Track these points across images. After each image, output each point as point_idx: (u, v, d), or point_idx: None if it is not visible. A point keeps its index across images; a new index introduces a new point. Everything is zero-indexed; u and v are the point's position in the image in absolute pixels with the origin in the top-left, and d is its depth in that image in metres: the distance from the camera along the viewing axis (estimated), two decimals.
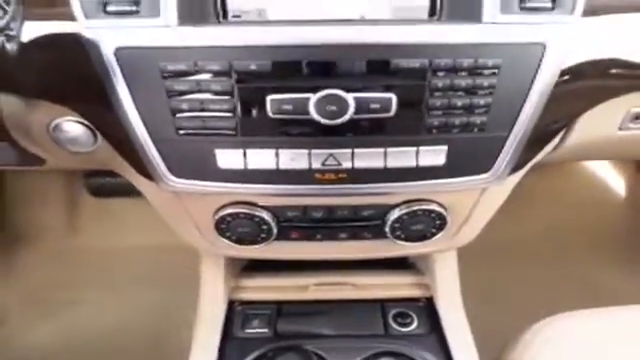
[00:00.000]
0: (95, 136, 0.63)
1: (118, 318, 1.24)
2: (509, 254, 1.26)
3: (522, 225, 1.29)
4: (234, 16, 0.55)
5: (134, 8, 0.50)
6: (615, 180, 1.42)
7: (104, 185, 1.28)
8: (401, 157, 0.55)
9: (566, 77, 0.54)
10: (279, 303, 0.80)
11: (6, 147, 0.69)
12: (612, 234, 1.35)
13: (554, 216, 1.36)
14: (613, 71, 0.58)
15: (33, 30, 0.55)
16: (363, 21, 0.55)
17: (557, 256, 1.29)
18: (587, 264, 1.28)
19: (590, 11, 0.52)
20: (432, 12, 0.54)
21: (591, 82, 0.58)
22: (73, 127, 0.62)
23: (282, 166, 0.56)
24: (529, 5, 0.50)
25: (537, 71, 0.52)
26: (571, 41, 0.52)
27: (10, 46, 0.56)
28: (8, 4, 0.63)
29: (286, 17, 0.55)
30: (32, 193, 1.39)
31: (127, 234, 1.38)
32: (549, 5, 0.50)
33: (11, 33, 0.56)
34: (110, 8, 0.51)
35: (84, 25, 0.52)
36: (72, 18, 0.52)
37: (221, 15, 0.54)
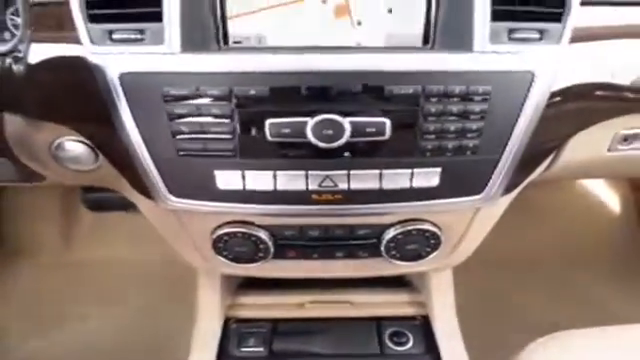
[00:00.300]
0: (96, 155, 0.65)
1: (115, 332, 1.24)
2: (507, 269, 1.27)
3: (520, 240, 1.30)
4: (235, 42, 0.58)
5: (139, 36, 0.53)
6: (612, 196, 1.43)
7: (101, 199, 1.29)
8: (396, 179, 0.57)
9: (555, 100, 0.56)
10: (275, 321, 0.80)
11: (7, 163, 0.70)
12: (609, 250, 1.36)
13: (553, 231, 1.36)
14: (600, 94, 0.60)
15: (40, 52, 0.57)
16: (359, 48, 0.57)
17: (556, 271, 1.30)
18: (586, 280, 1.28)
19: (577, 38, 0.54)
20: (425, 40, 0.57)
21: (579, 105, 0.60)
22: (75, 146, 0.64)
23: (280, 187, 0.57)
24: (517, 36, 0.52)
25: (526, 97, 0.54)
26: (559, 68, 0.54)
27: (17, 67, 0.58)
28: (17, 27, 0.66)
29: (285, 43, 0.57)
30: (29, 207, 1.39)
31: (124, 248, 1.38)
32: (537, 36, 0.52)
33: (19, 55, 0.59)
34: (116, 36, 0.53)
35: (90, 51, 0.54)
36: (78, 41, 0.54)
37: (222, 41, 0.56)
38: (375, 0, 0.55)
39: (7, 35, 0.66)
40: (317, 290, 0.84)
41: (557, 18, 0.52)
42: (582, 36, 0.56)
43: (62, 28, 0.56)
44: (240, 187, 0.58)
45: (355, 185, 0.57)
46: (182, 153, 0.56)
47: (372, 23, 0.57)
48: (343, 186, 0.57)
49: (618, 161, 0.69)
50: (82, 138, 0.63)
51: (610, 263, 1.32)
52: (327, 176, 0.57)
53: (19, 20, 0.64)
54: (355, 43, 0.58)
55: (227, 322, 0.82)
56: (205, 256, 0.69)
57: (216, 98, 0.53)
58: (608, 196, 1.42)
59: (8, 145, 0.65)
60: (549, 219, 1.36)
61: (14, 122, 0.62)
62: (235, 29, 0.57)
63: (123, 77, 0.53)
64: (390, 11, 0.56)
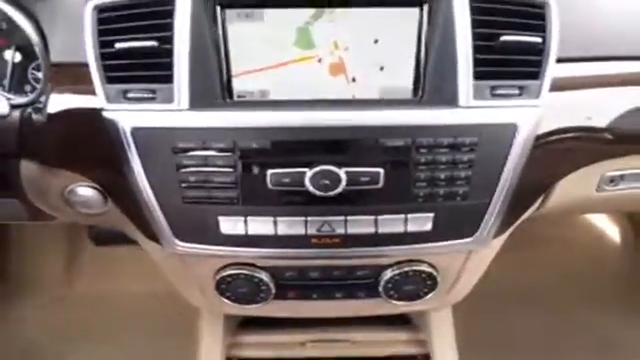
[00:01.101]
0: (105, 199, 0.68)
1: None
2: (508, 303, 1.26)
3: (520, 273, 1.30)
4: (239, 96, 0.62)
5: (151, 95, 0.57)
6: (610, 226, 1.44)
7: (108, 234, 1.32)
8: (391, 224, 0.60)
9: (538, 145, 0.60)
10: None
11: (20, 204, 0.73)
12: (609, 280, 1.35)
13: (552, 263, 1.37)
14: (579, 136, 0.63)
15: (59, 104, 0.62)
16: (354, 102, 0.61)
17: (556, 304, 1.29)
18: (588, 312, 1.27)
19: (555, 87, 0.59)
20: (415, 92, 0.61)
21: (562, 148, 0.63)
22: (86, 191, 0.68)
23: (280, 232, 0.60)
24: (499, 92, 0.57)
25: (511, 146, 0.58)
26: (540, 117, 0.58)
27: (37, 117, 0.63)
28: (37, 81, 0.71)
29: (286, 97, 0.62)
30: (33, 241, 1.41)
31: (126, 283, 1.38)
32: (517, 92, 0.57)
33: (39, 106, 0.64)
34: (130, 95, 0.58)
35: (106, 107, 0.59)
36: (94, 93, 0.58)
37: (227, 96, 0.61)
38: (368, 59, 0.60)
39: (28, 87, 0.72)
40: (318, 329, 0.84)
41: (535, 76, 0.57)
42: (560, 86, 0.60)
43: (80, 83, 0.61)
44: (243, 232, 0.60)
45: (352, 230, 0.60)
46: (188, 200, 0.60)
47: (366, 79, 0.61)
48: (340, 231, 0.60)
49: (607, 200, 0.72)
50: (94, 184, 0.67)
51: (611, 294, 1.31)
52: (325, 221, 0.60)
53: (39, 74, 0.70)
54: (351, 95, 0.62)
55: None
56: (208, 297, 0.71)
57: (221, 150, 0.57)
58: (607, 227, 1.43)
59: (22, 189, 0.68)
60: (548, 251, 1.37)
61: (30, 168, 0.66)
62: (240, 85, 0.62)
63: (135, 131, 0.58)
64: (382, 69, 0.61)
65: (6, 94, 0.67)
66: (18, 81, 0.70)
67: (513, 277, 1.24)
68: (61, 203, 0.69)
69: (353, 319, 0.84)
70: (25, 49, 0.68)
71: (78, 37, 0.59)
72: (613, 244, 1.42)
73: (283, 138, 0.57)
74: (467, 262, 0.68)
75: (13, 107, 0.64)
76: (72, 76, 0.62)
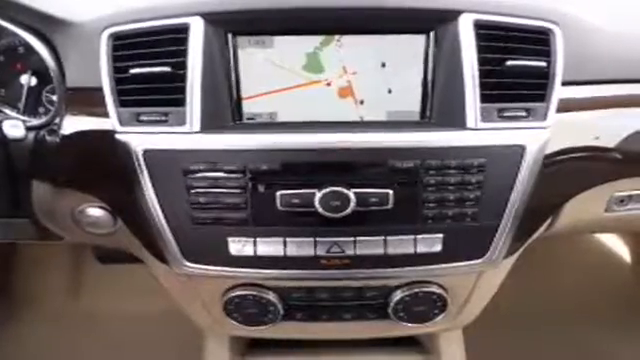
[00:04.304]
0: (115, 220, 0.68)
1: None
2: (517, 324, 1.24)
3: (530, 294, 1.28)
4: (248, 118, 0.64)
5: (163, 118, 0.59)
6: (620, 246, 1.43)
7: (113, 252, 1.31)
8: (400, 245, 0.60)
9: (547, 165, 0.60)
10: None
11: (29, 224, 0.73)
12: (619, 301, 1.33)
13: (561, 284, 1.35)
14: (587, 156, 0.64)
15: (72, 126, 0.63)
16: (363, 124, 0.62)
17: (566, 325, 1.27)
18: (597, 333, 1.25)
19: (562, 109, 0.60)
20: (422, 115, 0.62)
21: (571, 168, 0.63)
22: (96, 212, 0.68)
23: (289, 253, 0.60)
24: (506, 114, 0.58)
25: (519, 167, 0.58)
26: (548, 139, 0.59)
27: (51, 139, 0.64)
28: (51, 103, 0.73)
29: (294, 119, 0.63)
30: (38, 257, 1.41)
31: (131, 300, 1.37)
32: (524, 114, 0.58)
33: (53, 128, 0.65)
34: (143, 118, 0.59)
35: (118, 130, 0.60)
36: (108, 116, 0.60)
37: (237, 118, 0.62)
38: (375, 82, 0.62)
39: (41, 110, 0.73)
40: (325, 351, 0.83)
41: (541, 98, 0.58)
42: (568, 106, 0.61)
43: (93, 106, 0.62)
44: (252, 253, 0.61)
45: (361, 251, 0.60)
46: (198, 222, 0.60)
47: (374, 102, 0.63)
48: (350, 252, 0.60)
49: (616, 220, 0.72)
50: (104, 205, 0.67)
51: (620, 315, 1.29)
52: (335, 242, 0.60)
53: (53, 97, 0.72)
54: (359, 117, 0.64)
55: None
56: (215, 318, 0.70)
57: (232, 172, 0.58)
58: (616, 247, 1.42)
59: (33, 209, 0.69)
60: (557, 272, 1.35)
61: (41, 188, 0.67)
62: (249, 108, 0.63)
63: (147, 153, 0.59)
64: (389, 91, 0.63)
65: (21, 117, 0.68)
66: (32, 104, 0.72)
67: (522, 298, 1.22)
68: (70, 223, 0.69)
69: (360, 341, 0.82)
70: (40, 73, 0.70)
71: (92, 62, 0.61)
72: (622, 264, 1.40)
73: (293, 160, 0.58)
74: (477, 283, 0.67)
75: (28, 129, 0.65)
76: (85, 100, 0.64)
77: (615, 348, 1.21)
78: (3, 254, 1.38)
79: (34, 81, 0.71)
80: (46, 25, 0.64)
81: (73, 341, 1.31)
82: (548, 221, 0.68)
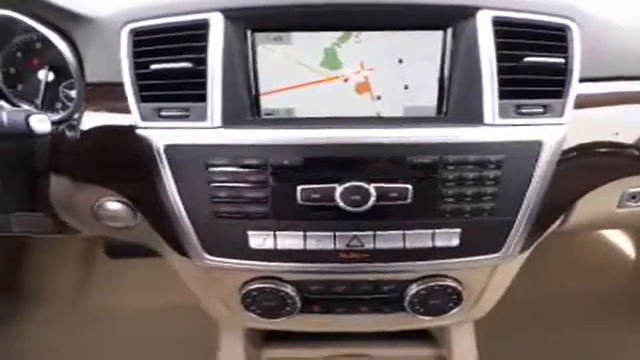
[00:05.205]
0: (134, 214, 0.69)
1: None
2: (524, 320, 1.25)
3: (537, 290, 1.28)
4: (266, 114, 0.64)
5: (184, 113, 0.59)
6: (627, 242, 1.43)
7: (124, 246, 1.32)
8: (418, 239, 0.61)
9: (563, 160, 0.61)
10: None
11: (45, 218, 0.74)
12: (626, 298, 1.34)
13: (568, 281, 1.35)
14: (605, 152, 0.64)
15: (92, 121, 0.63)
16: (381, 119, 0.63)
17: (572, 322, 1.28)
18: (609, 330, 1.25)
19: (580, 104, 0.60)
20: (439, 110, 0.63)
21: (587, 163, 0.64)
22: (115, 206, 0.68)
23: (309, 247, 0.61)
24: (524, 111, 0.58)
25: (536, 163, 0.59)
26: (565, 135, 0.60)
27: (70, 134, 0.64)
28: (68, 99, 0.73)
29: (312, 114, 0.64)
30: (48, 253, 1.42)
31: (140, 295, 1.38)
32: (541, 110, 0.58)
33: (73, 123, 0.65)
34: (164, 113, 0.60)
35: (140, 125, 0.60)
36: (128, 111, 0.60)
37: (255, 114, 0.63)
38: (393, 78, 0.63)
39: (59, 105, 0.74)
40: (338, 343, 0.84)
41: (559, 95, 0.59)
42: (585, 102, 0.61)
43: (112, 101, 0.63)
44: (272, 246, 0.61)
45: (380, 245, 0.61)
46: (219, 215, 0.61)
47: (391, 98, 0.63)
48: (369, 246, 0.61)
49: (628, 216, 0.72)
50: (124, 199, 0.67)
51: (628, 312, 1.30)
52: (354, 236, 0.60)
53: (71, 92, 0.72)
54: (375, 113, 0.64)
55: None
56: (233, 310, 0.71)
57: (253, 167, 0.58)
58: (623, 243, 1.42)
59: (50, 203, 0.69)
60: (562, 267, 1.36)
61: (59, 183, 0.67)
62: (267, 103, 0.64)
63: (168, 148, 0.59)
64: (406, 87, 0.63)
65: (43, 112, 0.69)
66: (50, 99, 0.72)
67: (530, 293, 1.23)
68: (89, 217, 0.70)
69: (373, 334, 0.84)
70: (58, 68, 0.71)
71: (111, 58, 0.61)
72: (628, 261, 1.41)
73: (314, 155, 0.58)
74: (491, 277, 0.68)
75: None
76: (105, 95, 0.64)
77: (620, 343, 1.22)
78: (13, 250, 1.39)
79: (51, 76, 0.71)
80: (65, 21, 0.64)
81: (82, 337, 1.32)
82: (562, 217, 0.69)
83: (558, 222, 0.69)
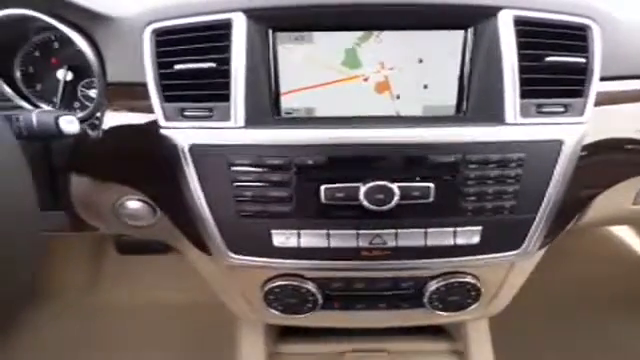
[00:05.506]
0: (155, 212, 0.70)
1: None
2: (535, 315, 1.25)
3: (547, 285, 1.29)
4: (286, 113, 0.65)
5: (208, 113, 0.60)
6: (633, 238, 1.44)
7: (134, 243, 1.32)
8: (440, 237, 0.62)
9: (583, 157, 0.61)
10: None
11: (65, 216, 0.74)
12: (630, 292, 1.35)
13: (578, 275, 1.36)
14: (626, 149, 0.65)
15: (114, 120, 0.64)
16: (401, 119, 0.64)
17: (583, 316, 1.28)
18: (620, 324, 1.26)
19: (600, 102, 0.60)
20: (458, 109, 0.64)
21: (607, 160, 0.64)
22: (135, 205, 0.69)
23: (332, 245, 0.62)
24: (545, 110, 0.59)
25: (556, 161, 0.60)
26: (585, 133, 0.60)
27: (93, 134, 0.64)
28: (86, 98, 0.73)
29: (332, 114, 0.64)
30: (58, 250, 1.41)
31: (149, 292, 1.38)
32: (562, 109, 0.59)
33: (95, 122, 0.65)
34: (187, 113, 0.60)
35: (163, 125, 0.61)
36: (151, 111, 0.61)
37: (275, 113, 0.63)
38: (412, 78, 0.63)
39: (77, 104, 0.74)
40: (355, 339, 0.85)
41: (579, 94, 0.59)
42: (605, 100, 0.62)
43: (134, 100, 0.64)
44: (295, 245, 0.62)
45: (402, 243, 0.62)
46: (243, 214, 0.62)
47: (410, 97, 0.64)
48: (391, 244, 0.62)
49: None
50: (145, 198, 0.68)
51: (632, 304, 1.31)
52: (377, 235, 0.61)
53: (89, 92, 0.73)
54: (395, 112, 0.65)
55: None
56: (255, 307, 0.72)
57: (277, 167, 0.59)
58: (631, 238, 1.43)
59: (70, 201, 0.70)
60: (574, 264, 1.36)
61: (81, 182, 0.68)
62: (286, 103, 0.64)
63: (193, 148, 0.60)
64: (426, 87, 0.64)
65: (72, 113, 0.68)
66: (68, 98, 0.72)
67: (541, 288, 1.23)
68: (110, 215, 0.70)
69: (389, 330, 0.85)
70: (76, 68, 0.71)
71: (133, 58, 0.61)
72: (635, 255, 1.42)
73: (338, 154, 0.59)
74: (509, 274, 0.69)
75: None
76: (127, 94, 0.64)
77: (635, 335, 1.23)
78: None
79: (70, 76, 0.72)
80: (87, 20, 0.64)
81: (91, 331, 1.32)
82: (579, 213, 0.70)
83: (575, 219, 0.70)
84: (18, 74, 0.71)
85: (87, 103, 0.72)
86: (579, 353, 1.16)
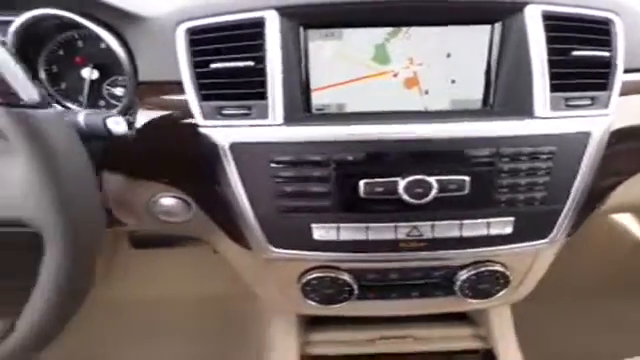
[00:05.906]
0: (189, 208, 0.70)
1: None
2: (555, 301, 1.23)
3: (566, 271, 1.30)
4: (317, 109, 0.66)
5: (246, 111, 0.60)
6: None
7: (149, 237, 1.31)
8: (474, 228, 0.64)
9: (610, 146, 0.63)
10: (346, 358, 0.83)
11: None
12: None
13: (595, 261, 1.36)
14: None
15: (146, 119, 0.64)
16: (430, 113, 0.65)
17: (602, 302, 1.28)
18: (634, 309, 1.26)
19: (626, 91, 0.62)
20: (485, 103, 0.65)
21: (631, 149, 0.66)
22: (170, 201, 0.69)
23: (371, 237, 0.63)
24: (572, 103, 0.61)
25: (584, 152, 0.62)
26: (611, 124, 0.62)
27: (128, 132, 0.63)
28: (113, 97, 0.72)
29: (362, 109, 0.66)
30: None
31: (163, 286, 1.37)
32: (589, 102, 0.61)
33: (130, 119, 0.65)
34: (226, 111, 0.60)
35: (201, 124, 0.61)
36: (183, 108, 0.61)
37: (306, 109, 0.64)
38: (440, 73, 0.65)
39: (102, 103, 0.73)
40: (382, 326, 0.87)
41: (604, 87, 0.61)
42: (629, 90, 0.63)
43: (164, 97, 0.64)
44: (334, 238, 0.64)
45: (438, 234, 0.64)
46: (283, 210, 0.63)
47: (438, 92, 0.66)
48: (428, 235, 0.64)
49: None
50: (181, 195, 0.68)
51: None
52: (414, 227, 0.63)
53: (115, 91, 0.72)
54: (423, 107, 0.66)
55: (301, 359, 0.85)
56: (292, 298, 0.73)
57: (317, 163, 0.60)
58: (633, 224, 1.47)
59: (104, 199, 0.68)
60: (590, 249, 1.36)
61: (115, 180, 0.67)
62: (318, 99, 0.65)
63: (233, 146, 0.60)
64: (453, 81, 0.65)
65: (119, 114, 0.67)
66: (94, 97, 0.72)
67: (563, 272, 1.23)
68: (143, 212, 0.70)
69: (414, 317, 0.87)
70: (102, 66, 0.70)
71: (165, 56, 0.61)
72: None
73: (377, 150, 0.60)
74: (535, 261, 0.72)
75: None
76: (156, 92, 0.64)
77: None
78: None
79: (95, 74, 0.71)
80: (117, 19, 0.64)
81: (104, 325, 1.32)
82: (602, 201, 0.73)
83: (598, 206, 0.73)
84: (43, 74, 0.70)
85: (113, 102, 0.72)
86: (599, 337, 1.19)
